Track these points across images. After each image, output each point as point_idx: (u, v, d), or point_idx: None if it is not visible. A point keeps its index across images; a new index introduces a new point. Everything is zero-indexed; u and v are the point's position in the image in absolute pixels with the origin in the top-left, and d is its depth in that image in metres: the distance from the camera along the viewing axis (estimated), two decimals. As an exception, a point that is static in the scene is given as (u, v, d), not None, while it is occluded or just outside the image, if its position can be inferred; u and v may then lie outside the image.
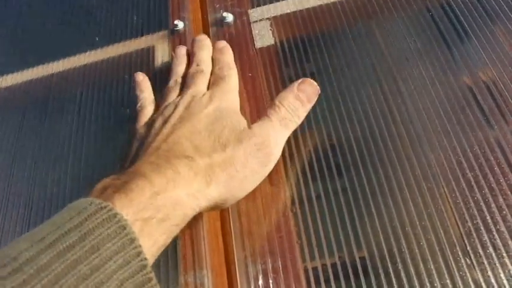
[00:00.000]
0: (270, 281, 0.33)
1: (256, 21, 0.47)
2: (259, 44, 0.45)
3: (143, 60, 0.48)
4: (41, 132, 0.48)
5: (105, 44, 0.52)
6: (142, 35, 0.50)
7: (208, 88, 0.41)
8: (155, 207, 0.30)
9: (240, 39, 0.46)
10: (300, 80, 0.39)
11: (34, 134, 0.48)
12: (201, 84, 0.41)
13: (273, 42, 0.45)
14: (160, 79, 0.45)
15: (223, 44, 0.45)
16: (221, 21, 0.47)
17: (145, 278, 0.27)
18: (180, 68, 0.44)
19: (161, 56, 0.47)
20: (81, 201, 0.28)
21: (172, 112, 0.38)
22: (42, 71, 0.53)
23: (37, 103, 0.51)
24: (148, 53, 0.48)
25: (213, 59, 0.43)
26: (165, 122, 0.37)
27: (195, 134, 0.36)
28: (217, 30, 0.47)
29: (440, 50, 0.40)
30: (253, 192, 0.36)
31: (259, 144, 0.35)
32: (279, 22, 0.46)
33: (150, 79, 0.45)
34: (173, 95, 0.41)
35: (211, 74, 0.42)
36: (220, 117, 0.37)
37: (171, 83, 0.42)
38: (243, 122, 0.37)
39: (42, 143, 0.47)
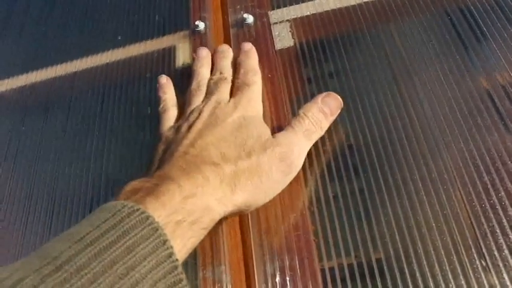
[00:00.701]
0: (287, 279, 0.34)
1: (276, 23, 0.48)
2: (279, 45, 0.46)
3: (164, 59, 0.49)
4: (64, 129, 0.49)
5: (127, 43, 0.53)
6: (163, 35, 0.51)
7: (231, 93, 0.42)
8: (186, 211, 0.31)
9: (260, 41, 0.47)
10: (324, 93, 0.39)
11: (57, 131, 0.50)
12: (224, 91, 0.42)
13: (292, 43, 0.46)
14: (181, 79, 0.46)
15: (249, 46, 0.45)
16: (241, 22, 0.48)
17: (176, 278, 0.28)
18: (202, 70, 0.44)
19: (182, 55, 0.48)
20: (114, 204, 0.29)
21: (197, 118, 0.39)
22: (65, 69, 0.54)
23: (60, 101, 0.52)
24: (169, 52, 0.49)
25: (236, 62, 0.44)
26: (190, 127, 0.38)
27: (222, 141, 0.36)
28: (237, 31, 0.48)
29: (458, 52, 0.41)
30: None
31: (283, 154, 0.36)
32: (299, 24, 0.47)
33: (170, 78, 0.46)
34: (197, 100, 0.42)
35: (235, 79, 0.43)
36: (245, 125, 0.38)
37: (194, 85, 0.43)
38: (267, 131, 0.38)
39: (65, 140, 0.48)
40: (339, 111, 0.39)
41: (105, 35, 0.55)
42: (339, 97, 0.39)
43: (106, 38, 0.54)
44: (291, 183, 0.37)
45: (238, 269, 0.35)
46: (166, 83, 0.45)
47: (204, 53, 0.46)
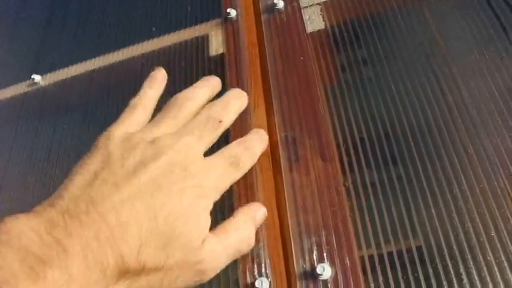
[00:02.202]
0: (324, 254, 0.34)
1: (307, 6, 0.48)
2: (309, 28, 0.46)
3: (198, 48, 0.50)
4: (104, 121, 0.51)
5: (161, 34, 0.54)
6: (196, 24, 0.53)
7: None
8: None
9: (290, 25, 0.47)
10: (257, 207, 0.36)
11: (96, 126, 0.51)
12: (206, 140, 0.35)
13: (323, 26, 0.46)
14: (216, 67, 0.47)
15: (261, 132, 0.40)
16: (272, 7, 0.49)
17: None
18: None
19: (215, 43, 0.49)
20: None
21: (153, 159, 0.32)
22: (102, 61, 0.56)
23: (98, 94, 0.54)
24: (202, 41, 0.50)
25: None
26: (140, 165, 0.31)
27: (150, 223, 0.29)
28: (268, 16, 0.49)
29: (497, 36, 0.39)
30: (306, 167, 0.38)
31: (200, 271, 0.31)
32: (329, 6, 0.47)
33: (204, 68, 0.47)
34: (171, 124, 0.36)
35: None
36: (187, 216, 0.31)
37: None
38: (202, 235, 0.32)
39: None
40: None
41: (139, 27, 0.57)
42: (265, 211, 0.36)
43: (140, 30, 0.56)
44: (325, 159, 0.38)
45: (276, 245, 0.36)
46: (161, 79, 0.40)
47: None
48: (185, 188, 0.32)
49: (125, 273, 0.28)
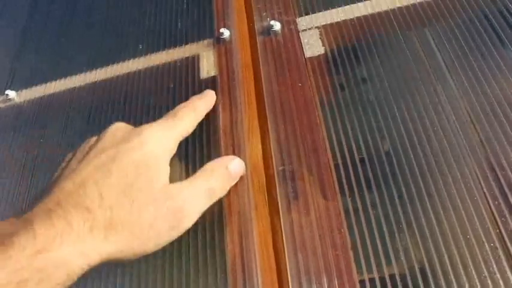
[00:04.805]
0: (326, 302, 0.31)
1: (305, 29, 0.46)
2: (308, 53, 0.44)
3: (188, 68, 0.47)
4: (83, 139, 0.47)
5: (149, 52, 0.51)
6: (186, 43, 0.49)
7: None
8: (34, 269, 0.28)
9: (288, 48, 0.45)
10: (232, 156, 0.37)
11: (76, 140, 0.47)
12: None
13: (323, 51, 0.44)
14: (206, 89, 0.44)
15: (210, 92, 0.43)
16: (268, 29, 0.46)
17: None
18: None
19: (206, 64, 0.46)
20: None
21: (97, 141, 0.37)
22: (85, 79, 0.52)
23: (80, 110, 0.50)
24: (193, 61, 0.47)
25: None
26: (87, 151, 0.36)
27: (105, 178, 0.33)
28: (264, 38, 0.46)
29: (492, 58, 0.38)
30: (307, 205, 0.35)
31: (174, 209, 0.33)
32: (329, 31, 0.45)
33: (194, 90, 0.44)
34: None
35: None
36: (140, 166, 0.34)
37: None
38: (164, 177, 0.35)
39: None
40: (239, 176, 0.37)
41: (125, 44, 0.53)
42: (243, 163, 0.37)
43: (127, 47, 0.53)
44: (326, 198, 0.35)
45: (272, 291, 0.33)
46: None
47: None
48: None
49: (94, 224, 0.31)
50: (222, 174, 0.36)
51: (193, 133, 0.40)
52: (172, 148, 0.37)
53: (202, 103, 0.41)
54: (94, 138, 0.38)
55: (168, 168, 0.35)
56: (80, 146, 0.38)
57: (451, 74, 0.39)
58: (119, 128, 0.38)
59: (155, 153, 0.35)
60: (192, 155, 0.40)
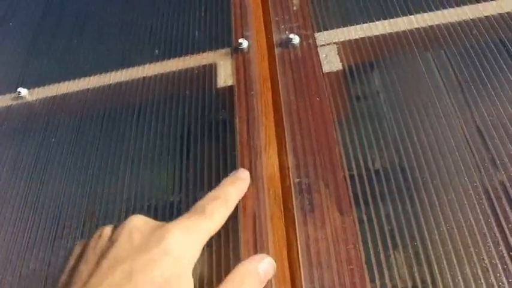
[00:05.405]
0: (340, 317, 0.31)
1: (324, 45, 0.46)
2: (326, 68, 0.44)
3: (205, 77, 0.47)
4: (96, 143, 0.47)
5: (165, 58, 0.51)
6: (203, 51, 0.50)
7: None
8: None
9: (306, 62, 0.45)
10: (262, 255, 0.34)
11: (87, 148, 0.47)
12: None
13: (340, 67, 0.44)
14: (222, 98, 0.45)
15: (244, 174, 0.38)
16: (286, 42, 0.47)
17: None
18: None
19: (223, 73, 0.47)
20: None
21: (111, 244, 0.32)
22: (99, 81, 0.52)
23: (93, 112, 0.50)
24: (210, 69, 0.48)
25: None
26: (99, 256, 0.31)
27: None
28: (282, 50, 0.47)
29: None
30: (322, 218, 0.35)
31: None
32: (347, 47, 0.45)
33: (210, 100, 0.44)
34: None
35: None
36: (162, 285, 0.29)
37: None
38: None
39: (97, 157, 0.46)
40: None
41: (141, 48, 0.53)
42: (274, 262, 0.33)
43: (142, 52, 0.53)
44: (341, 211, 0.35)
45: (286, 304, 0.33)
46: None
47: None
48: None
49: None
50: (252, 281, 0.32)
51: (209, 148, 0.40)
52: (198, 253, 0.32)
53: (235, 192, 0.36)
54: (106, 231, 0.33)
55: (192, 280, 0.31)
56: (90, 241, 0.33)
57: (465, 94, 0.40)
58: (137, 226, 0.32)
59: (178, 266, 0.31)
60: (207, 166, 0.40)
